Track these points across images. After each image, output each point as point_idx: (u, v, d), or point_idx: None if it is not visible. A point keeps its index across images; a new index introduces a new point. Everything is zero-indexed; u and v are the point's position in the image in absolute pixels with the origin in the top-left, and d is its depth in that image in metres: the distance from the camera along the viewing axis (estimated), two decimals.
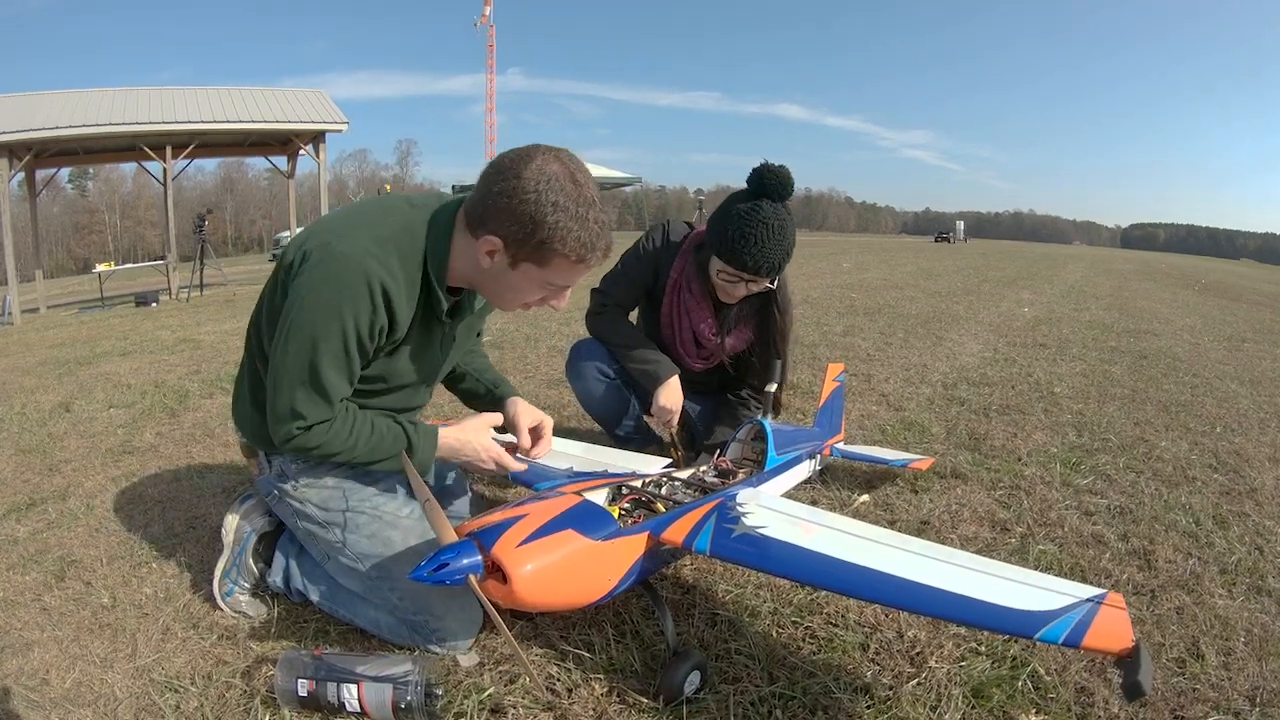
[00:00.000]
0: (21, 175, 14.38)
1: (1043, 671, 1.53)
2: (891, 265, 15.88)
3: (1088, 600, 1.21)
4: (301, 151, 16.42)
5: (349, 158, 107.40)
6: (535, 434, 1.85)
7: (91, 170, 67.54)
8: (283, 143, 16.52)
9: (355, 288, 1.44)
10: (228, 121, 13.88)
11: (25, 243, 18.14)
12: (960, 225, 58.28)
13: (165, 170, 14.36)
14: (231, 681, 1.62)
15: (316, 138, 15.90)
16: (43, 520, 2.69)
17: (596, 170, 19.53)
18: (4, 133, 12.72)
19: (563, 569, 1.34)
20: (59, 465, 3.36)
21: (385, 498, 1.74)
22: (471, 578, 1.26)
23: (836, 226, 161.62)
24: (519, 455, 1.83)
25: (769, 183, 2.17)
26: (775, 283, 2.31)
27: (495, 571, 1.28)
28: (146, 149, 14.04)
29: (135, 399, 4.65)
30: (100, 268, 16.04)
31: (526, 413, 1.86)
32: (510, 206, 1.38)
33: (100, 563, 2.28)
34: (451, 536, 1.30)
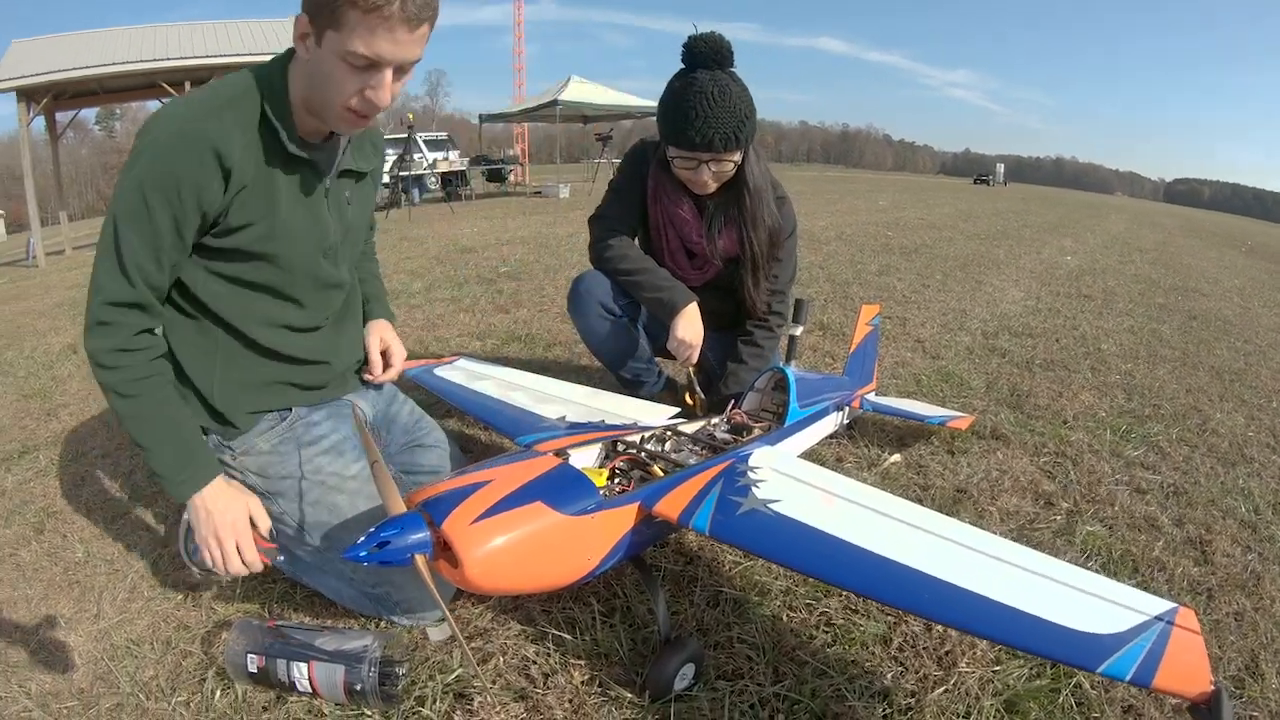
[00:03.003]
0: (44, 119, 14.27)
1: (1087, 685, 1.34)
2: (929, 205, 15.36)
3: (1157, 619, 0.99)
4: None
5: None
6: (385, 359, 1.77)
7: (119, 110, 67.76)
8: None
9: (158, 152, 1.28)
10: (246, 54, 13.30)
11: (51, 186, 18.20)
12: (1000, 168, 56.20)
13: None
14: (189, 649, 1.53)
15: None
16: (32, 469, 2.67)
17: (626, 100, 19.17)
18: (20, 77, 12.56)
19: (527, 550, 1.13)
20: (57, 410, 3.34)
21: (329, 458, 1.55)
22: (419, 558, 1.06)
23: (873, 164, 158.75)
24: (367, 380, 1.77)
25: (700, 51, 1.94)
26: (742, 159, 2.06)
27: (446, 550, 1.09)
28: (165, 85, 13.73)
29: None
30: None
31: (379, 335, 1.78)
32: None
33: (80, 513, 2.25)
34: (399, 507, 1.10)
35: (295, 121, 1.38)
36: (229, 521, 1.38)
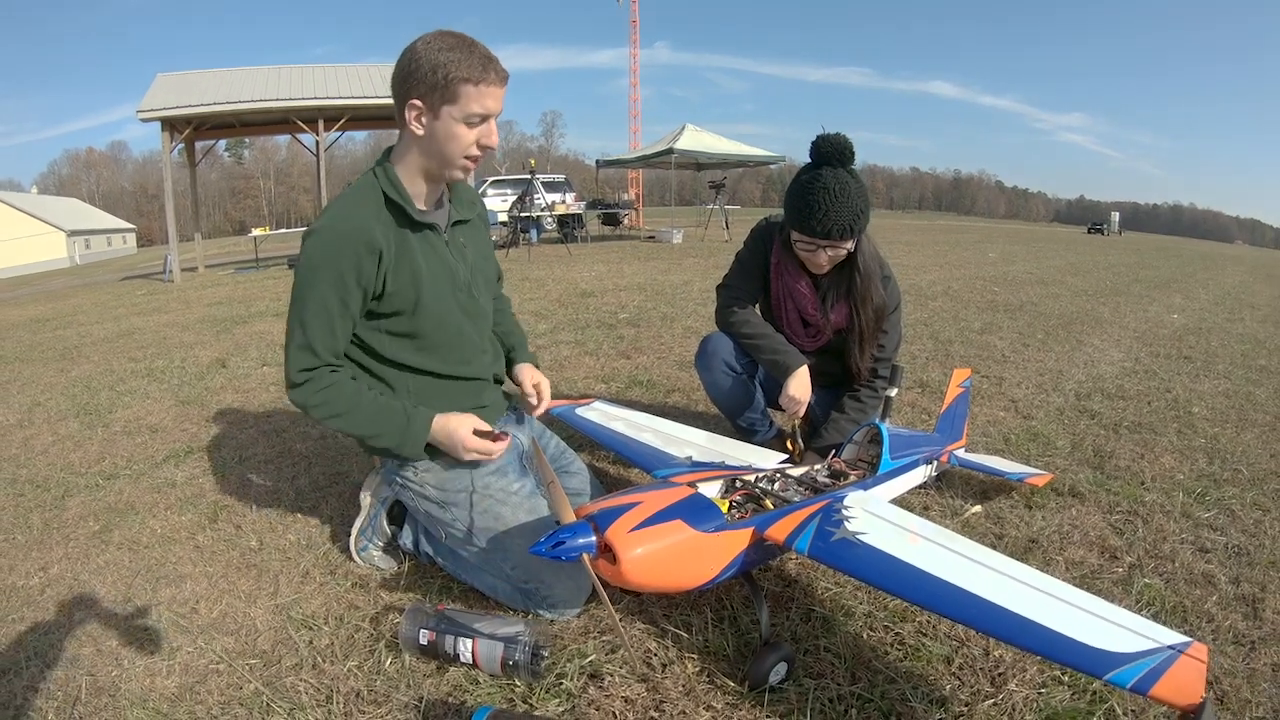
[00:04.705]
0: (182, 146, 15.36)
1: (1120, 711, 1.49)
2: (1039, 257, 14.86)
3: (1169, 648, 1.19)
4: None
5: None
6: (538, 391, 2.10)
7: (248, 140, 72.56)
8: None
9: (324, 251, 1.70)
10: (376, 97, 14.13)
11: (185, 207, 19.67)
12: (1115, 216, 53.26)
13: (318, 143, 15.03)
14: (360, 625, 1.79)
15: None
16: (199, 467, 2.98)
17: (740, 149, 19.25)
18: (165, 108, 13.59)
19: (668, 556, 1.42)
20: (214, 418, 3.69)
21: (495, 476, 1.88)
22: (585, 556, 1.37)
23: (985, 211, 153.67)
24: (518, 409, 2.18)
25: (825, 151, 2.22)
26: (856, 245, 2.33)
27: (606, 552, 1.39)
28: (299, 122, 14.76)
29: None
30: (256, 232, 17.34)
31: (530, 376, 2.14)
32: (415, 68, 1.66)
33: (250, 509, 2.52)
34: (570, 517, 1.42)
35: (411, 195, 1.78)
36: (466, 436, 1.78)
